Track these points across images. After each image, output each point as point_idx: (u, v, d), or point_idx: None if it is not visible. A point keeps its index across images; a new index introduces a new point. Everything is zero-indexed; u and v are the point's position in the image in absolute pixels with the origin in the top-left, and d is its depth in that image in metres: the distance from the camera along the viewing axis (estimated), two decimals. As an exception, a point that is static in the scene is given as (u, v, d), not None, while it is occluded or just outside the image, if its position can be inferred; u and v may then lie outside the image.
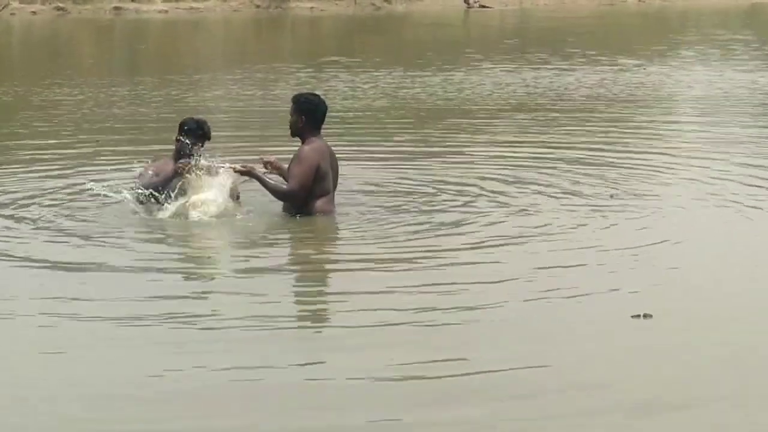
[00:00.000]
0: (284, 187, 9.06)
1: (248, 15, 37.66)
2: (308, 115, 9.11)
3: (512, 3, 42.91)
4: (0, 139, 14.38)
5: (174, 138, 9.41)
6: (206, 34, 33.81)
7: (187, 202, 9.06)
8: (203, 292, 7.29)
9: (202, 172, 9.06)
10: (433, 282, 7.24)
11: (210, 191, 9.03)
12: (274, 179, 9.16)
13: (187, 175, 9.04)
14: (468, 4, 41.51)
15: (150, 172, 9.36)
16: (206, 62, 25.95)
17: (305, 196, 9.06)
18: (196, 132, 9.28)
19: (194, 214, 9.00)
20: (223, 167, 9.09)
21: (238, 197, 9.33)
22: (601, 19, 38.78)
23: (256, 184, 9.21)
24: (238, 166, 9.12)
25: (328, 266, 8.12)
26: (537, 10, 41.62)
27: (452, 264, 7.76)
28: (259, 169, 9.19)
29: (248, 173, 9.11)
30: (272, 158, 9.25)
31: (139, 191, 9.24)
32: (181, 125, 9.38)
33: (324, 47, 29.95)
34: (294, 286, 7.64)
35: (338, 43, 31.21)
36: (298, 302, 7.24)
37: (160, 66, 24.33)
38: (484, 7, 41.32)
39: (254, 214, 9.20)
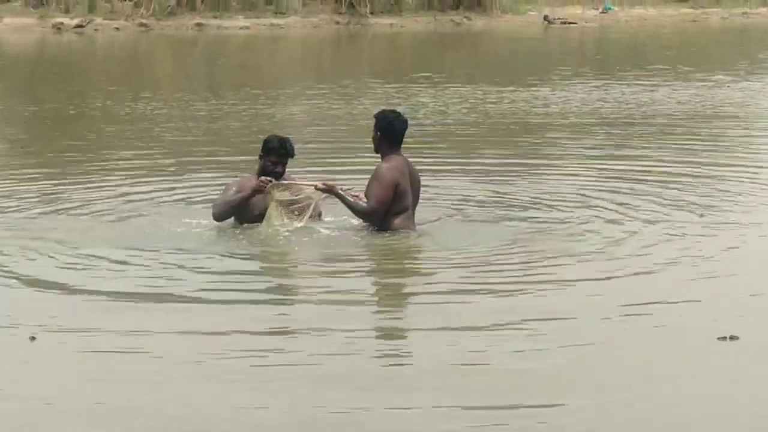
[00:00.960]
0: (364, 205, 8.99)
1: (328, 31, 37.78)
2: (384, 132, 9.03)
3: (592, 19, 42.65)
4: (85, 151, 14.46)
5: (258, 155, 9.37)
6: (287, 50, 33.96)
7: (270, 219, 9.03)
8: (285, 323, 7.06)
9: (285, 189, 9.02)
10: (512, 308, 7.05)
11: (292, 209, 9.01)
12: (358, 194, 9.10)
13: (271, 192, 9.00)
14: (548, 20, 41.33)
15: (233, 189, 9.32)
16: (288, 77, 26.04)
17: (382, 216, 8.99)
18: (278, 150, 9.23)
19: (278, 231, 8.97)
20: (305, 185, 9.07)
21: (320, 215, 9.29)
22: (684, 34, 38.40)
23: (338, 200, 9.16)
24: (319, 184, 9.08)
25: (405, 290, 7.96)
26: (618, 25, 41.33)
27: (533, 284, 7.58)
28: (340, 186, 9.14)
29: (329, 190, 9.06)
30: (328, 185, 9.16)
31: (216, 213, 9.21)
32: (265, 143, 9.34)
33: (406, 63, 29.97)
34: (374, 313, 7.45)
35: (420, 59, 31.17)
36: (379, 332, 7.04)
37: (242, 81, 24.43)
38: (565, 23, 41.10)
39: (334, 230, 9.12)
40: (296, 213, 9.03)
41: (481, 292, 7.45)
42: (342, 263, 8.43)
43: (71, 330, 6.70)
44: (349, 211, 9.09)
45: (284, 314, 7.23)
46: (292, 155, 9.24)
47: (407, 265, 8.53)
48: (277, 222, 9.00)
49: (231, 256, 8.57)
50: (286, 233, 8.97)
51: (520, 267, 8.05)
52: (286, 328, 6.91)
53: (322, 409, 5.46)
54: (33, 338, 6.50)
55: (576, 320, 6.80)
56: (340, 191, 9.03)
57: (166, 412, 5.46)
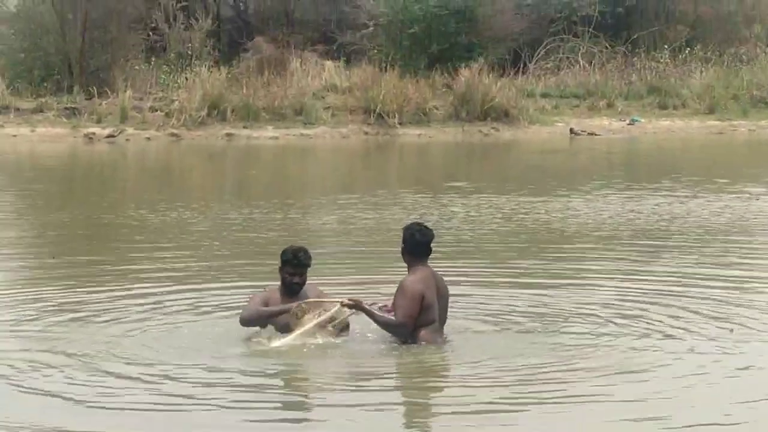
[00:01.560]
0: (392, 319, 8.95)
1: (357, 141, 37.96)
2: (406, 244, 9.07)
3: (619, 130, 42.76)
4: (116, 262, 14.50)
5: (279, 268, 9.39)
6: (317, 160, 34.14)
7: (295, 336, 9.02)
8: None
9: (310, 311, 9.02)
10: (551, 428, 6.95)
11: (316, 330, 9.00)
12: (387, 305, 9.07)
13: (297, 313, 9.00)
14: (573, 132, 41.47)
15: (257, 301, 9.32)
16: (319, 187, 26.14)
17: (411, 328, 8.94)
18: (292, 262, 9.27)
19: (303, 344, 8.95)
20: (330, 302, 9.06)
21: (347, 326, 9.26)
22: (712, 146, 38.43)
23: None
24: (345, 300, 9.07)
25: (432, 409, 7.85)
26: (645, 137, 41.40)
27: (573, 403, 7.48)
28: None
29: (356, 306, 9.05)
30: (355, 300, 9.14)
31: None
32: (281, 255, 9.37)
33: (435, 172, 30.06)
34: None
35: (449, 169, 31.30)
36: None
37: (273, 190, 24.54)
38: (591, 134, 41.24)
39: (361, 341, 9.07)
40: (319, 335, 9.03)
41: (514, 411, 7.34)
42: (367, 379, 8.37)
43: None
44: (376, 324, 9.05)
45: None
46: (307, 265, 9.27)
47: (434, 383, 8.44)
48: (300, 340, 8.99)
49: (256, 373, 8.52)
50: (311, 346, 8.94)
51: (559, 383, 7.93)
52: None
53: None
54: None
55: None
56: (366, 306, 9.01)
57: None
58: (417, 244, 9.05)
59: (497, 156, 35.70)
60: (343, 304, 9.04)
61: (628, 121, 43.44)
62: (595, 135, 41.27)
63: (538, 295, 11.37)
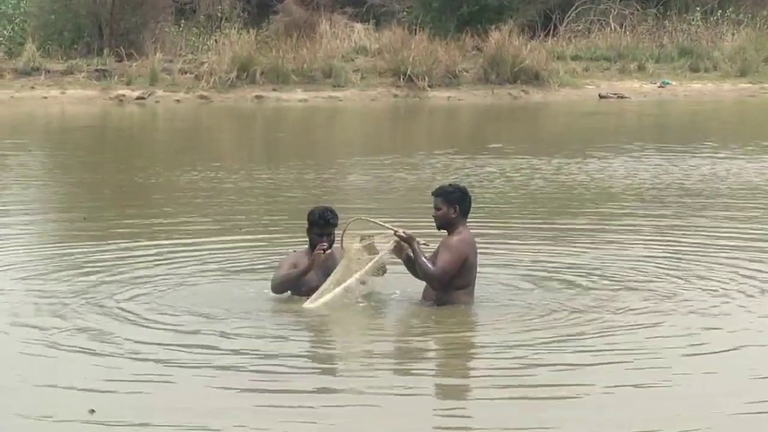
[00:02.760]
0: (432, 268, 8.94)
1: (386, 104, 37.87)
2: (461, 205, 9.04)
3: (650, 93, 42.52)
4: (146, 222, 14.54)
5: (306, 230, 9.38)
6: (347, 121, 34.11)
7: (338, 285, 9.00)
8: (342, 396, 7.01)
9: (359, 247, 8.97)
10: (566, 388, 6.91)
11: (359, 274, 8.97)
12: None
13: (348, 246, 8.94)
14: (602, 96, 41.26)
15: (286, 266, 9.31)
16: (349, 148, 26.12)
17: (445, 284, 8.94)
18: (319, 222, 9.25)
19: (333, 304, 8.94)
20: (387, 227, 9.00)
21: (384, 271, 9.22)
22: (743, 109, 38.18)
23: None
24: (401, 231, 9.03)
25: (469, 367, 7.84)
26: (676, 100, 41.15)
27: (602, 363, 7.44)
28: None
29: (409, 240, 8.99)
30: (409, 234, 9.10)
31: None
32: (307, 216, 9.35)
33: (466, 134, 29.99)
34: (437, 383, 7.36)
35: (480, 130, 31.22)
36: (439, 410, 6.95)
37: (303, 151, 24.54)
38: (620, 97, 41.02)
39: (395, 299, 9.06)
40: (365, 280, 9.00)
41: (552, 369, 7.32)
42: (404, 337, 8.37)
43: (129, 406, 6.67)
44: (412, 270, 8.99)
45: (341, 386, 7.17)
46: (335, 225, 9.26)
47: (473, 343, 8.43)
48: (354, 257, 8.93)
49: (287, 328, 8.54)
50: (343, 304, 8.94)
51: (602, 336, 7.89)
52: (340, 399, 6.85)
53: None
54: (92, 411, 6.47)
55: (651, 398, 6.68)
56: (416, 245, 8.98)
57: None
58: (470, 204, 9.11)
59: (528, 118, 35.57)
60: (396, 233, 9.00)
61: (658, 84, 43.20)
62: (624, 98, 41.06)
63: (576, 253, 11.35)
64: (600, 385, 6.89)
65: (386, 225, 9.16)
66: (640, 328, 8.32)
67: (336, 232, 9.24)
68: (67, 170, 21.02)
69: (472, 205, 9.21)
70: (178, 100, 36.28)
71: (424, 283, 9.09)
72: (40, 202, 16.89)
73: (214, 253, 11.83)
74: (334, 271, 9.04)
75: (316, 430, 6.13)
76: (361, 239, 9.06)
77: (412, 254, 8.96)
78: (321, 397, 6.79)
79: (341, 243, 9.09)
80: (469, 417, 6.40)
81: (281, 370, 7.28)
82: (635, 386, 6.92)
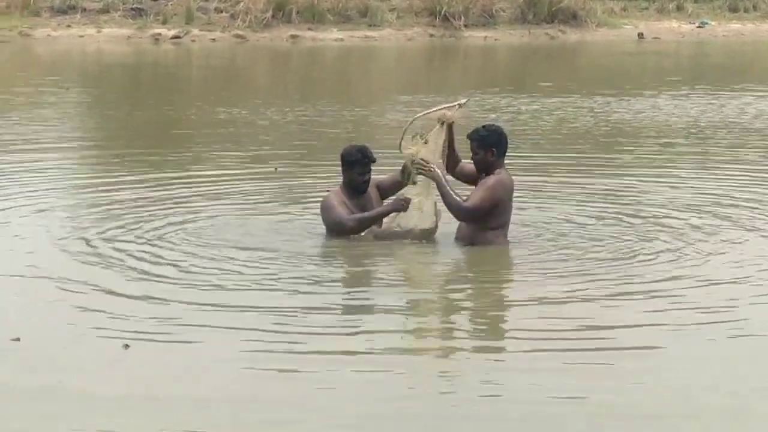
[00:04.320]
0: (460, 201, 8.87)
1: (422, 43, 37.68)
2: (498, 147, 8.96)
3: (689, 33, 42.11)
4: (182, 158, 14.55)
5: (342, 169, 9.28)
6: (383, 61, 33.98)
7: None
8: (375, 335, 6.97)
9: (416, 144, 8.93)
10: (602, 326, 6.85)
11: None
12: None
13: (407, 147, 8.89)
14: (641, 36, 40.88)
15: (338, 208, 9.17)
16: (385, 87, 26.02)
17: (476, 221, 8.87)
18: (362, 161, 9.17)
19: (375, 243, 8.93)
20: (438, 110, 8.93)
21: (439, 214, 9.15)
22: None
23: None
24: (448, 113, 8.93)
25: (501, 303, 7.80)
26: (715, 40, 40.78)
27: (626, 303, 7.36)
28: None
29: (435, 174, 8.87)
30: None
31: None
32: (346, 157, 9.25)
33: (503, 74, 29.81)
34: (471, 320, 7.33)
35: (517, 71, 31.03)
36: (477, 340, 6.94)
37: (339, 90, 24.47)
38: (656, 38, 40.65)
39: (417, 237, 9.00)
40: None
41: (582, 304, 7.27)
42: (437, 278, 8.35)
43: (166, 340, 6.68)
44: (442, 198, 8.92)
45: (378, 324, 7.16)
46: (375, 161, 9.20)
47: (503, 282, 8.38)
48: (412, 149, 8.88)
49: (323, 265, 8.54)
50: (385, 243, 8.93)
51: (632, 281, 7.83)
52: (375, 339, 6.84)
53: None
54: (127, 346, 6.48)
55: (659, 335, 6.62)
56: (443, 179, 8.88)
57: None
58: (506, 143, 9.02)
59: (566, 58, 35.34)
60: (447, 117, 8.91)
61: (697, 24, 42.78)
62: (661, 39, 40.70)
63: (607, 196, 11.27)
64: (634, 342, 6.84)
65: (435, 109, 9.06)
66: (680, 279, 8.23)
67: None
68: (104, 107, 21.04)
69: (511, 144, 9.13)
70: (213, 39, 36.22)
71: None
72: (77, 138, 16.92)
73: (253, 189, 11.84)
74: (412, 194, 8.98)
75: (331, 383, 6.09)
76: (414, 137, 8.98)
77: (438, 187, 8.87)
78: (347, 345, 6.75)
79: (399, 146, 9.00)
80: (497, 369, 6.36)
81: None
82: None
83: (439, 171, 8.90)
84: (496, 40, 38.06)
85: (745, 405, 5.48)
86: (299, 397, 5.58)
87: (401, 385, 5.75)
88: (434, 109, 9.11)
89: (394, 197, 9.24)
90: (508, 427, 5.24)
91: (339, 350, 6.35)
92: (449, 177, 9.02)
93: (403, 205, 9.01)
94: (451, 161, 9.21)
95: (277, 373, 5.96)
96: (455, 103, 9.17)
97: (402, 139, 8.97)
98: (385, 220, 9.13)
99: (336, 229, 9.10)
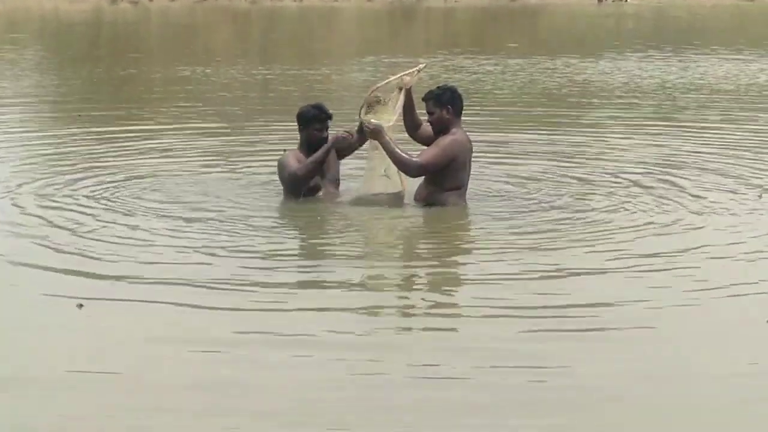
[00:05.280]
0: (407, 157, 8.77)
1: (382, 5, 37.52)
2: (453, 104, 8.86)
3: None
4: (138, 116, 14.40)
5: (298, 129, 9.15)
6: (342, 24, 33.76)
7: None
8: (332, 295, 6.80)
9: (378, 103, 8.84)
10: (556, 290, 6.77)
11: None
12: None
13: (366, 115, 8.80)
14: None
15: (293, 161, 9.08)
16: (344, 49, 25.86)
17: (428, 176, 8.78)
18: (320, 117, 9.07)
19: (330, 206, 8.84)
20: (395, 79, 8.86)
21: (403, 196, 9.05)
22: (741, 14, 37.85)
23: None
24: (407, 77, 8.85)
25: (458, 262, 7.68)
26: (674, 5, 40.83)
27: (579, 267, 7.28)
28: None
29: (376, 131, 8.76)
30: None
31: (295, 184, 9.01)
32: (302, 115, 9.12)
33: (463, 37, 29.70)
34: (426, 291, 7.19)
35: (477, 34, 30.92)
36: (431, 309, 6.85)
37: (298, 52, 24.29)
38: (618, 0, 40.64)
39: (384, 202, 8.91)
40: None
41: (534, 270, 7.15)
42: (394, 241, 8.26)
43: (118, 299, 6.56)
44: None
45: (334, 283, 7.06)
46: (331, 117, 9.11)
47: (459, 244, 8.29)
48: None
49: (277, 227, 8.43)
50: (340, 203, 8.84)
51: (583, 245, 7.77)
52: (332, 300, 6.74)
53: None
54: (80, 306, 6.38)
55: (613, 296, 6.56)
56: (386, 138, 8.78)
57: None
58: (462, 102, 8.92)
59: (527, 20, 35.25)
60: (405, 82, 8.83)
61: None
62: (622, 1, 40.67)
63: (562, 158, 11.20)
64: (592, 291, 6.78)
65: (392, 77, 8.97)
66: (636, 229, 8.20)
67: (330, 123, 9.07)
68: (63, 65, 20.80)
69: (475, 104, 9.05)
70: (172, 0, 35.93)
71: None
72: (34, 95, 16.71)
73: (210, 148, 11.72)
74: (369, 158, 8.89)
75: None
76: (371, 105, 8.87)
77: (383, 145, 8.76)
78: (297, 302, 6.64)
79: (359, 114, 8.89)
80: (454, 329, 6.27)
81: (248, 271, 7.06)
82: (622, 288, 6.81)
83: (383, 129, 8.78)
84: (456, 2, 37.93)
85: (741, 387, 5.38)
86: (237, 379, 5.32)
87: (341, 368, 5.50)
88: (393, 77, 9.00)
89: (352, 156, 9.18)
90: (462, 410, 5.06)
91: (279, 329, 6.08)
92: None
93: (344, 138, 8.90)
94: (412, 124, 9.12)
95: (211, 354, 5.68)
96: (414, 69, 9.08)
97: (362, 107, 8.87)
98: (357, 189, 9.02)
99: (290, 181, 8.97)
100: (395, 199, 8.93)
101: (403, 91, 8.89)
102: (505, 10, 37.30)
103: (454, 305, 6.57)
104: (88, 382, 5.26)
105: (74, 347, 5.72)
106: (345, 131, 9.02)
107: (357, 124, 8.98)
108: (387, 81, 8.96)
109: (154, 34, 29.13)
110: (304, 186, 8.99)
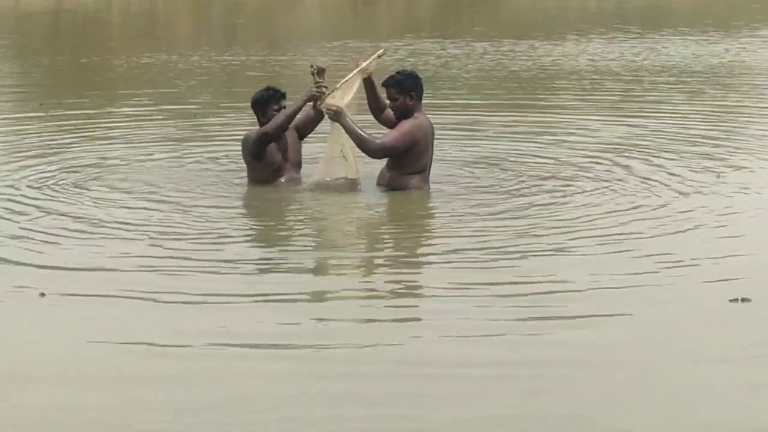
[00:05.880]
0: (370, 138, 8.70)
1: (345, -10, 37.38)
2: (416, 90, 8.81)
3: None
4: (101, 104, 14.28)
5: (258, 118, 9.05)
6: (307, 8, 33.63)
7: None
8: (302, 286, 6.65)
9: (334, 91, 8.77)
10: (521, 272, 6.71)
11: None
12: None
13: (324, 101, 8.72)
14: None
15: (256, 129, 9.00)
16: (306, 36, 25.74)
17: (389, 158, 8.73)
18: (275, 96, 8.99)
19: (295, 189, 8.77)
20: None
21: (358, 184, 8.97)
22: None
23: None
24: (363, 64, 8.79)
25: (421, 250, 7.60)
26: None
27: (538, 248, 7.20)
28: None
29: (338, 112, 8.69)
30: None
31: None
32: (258, 101, 9.03)
33: (426, 21, 29.65)
34: (390, 278, 7.07)
35: (440, 17, 30.87)
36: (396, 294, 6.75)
37: (261, 39, 24.17)
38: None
39: (342, 188, 8.82)
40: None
41: (498, 256, 7.07)
42: (360, 228, 8.19)
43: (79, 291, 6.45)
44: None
45: (304, 278, 6.99)
46: (285, 93, 9.05)
47: (424, 228, 8.21)
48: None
49: (241, 217, 8.35)
50: (303, 190, 8.75)
51: (555, 229, 7.70)
52: (298, 292, 6.64)
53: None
54: (42, 294, 6.28)
55: (576, 276, 6.50)
56: (347, 119, 8.72)
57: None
58: (422, 86, 8.87)
59: (489, 3, 35.22)
60: (362, 69, 8.77)
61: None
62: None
63: (523, 140, 11.16)
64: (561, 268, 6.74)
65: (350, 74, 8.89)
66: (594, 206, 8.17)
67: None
68: (23, 54, 20.62)
69: (440, 87, 8.99)
70: (133, -14, 35.67)
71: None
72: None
73: (173, 134, 11.63)
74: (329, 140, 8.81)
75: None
76: (333, 91, 8.81)
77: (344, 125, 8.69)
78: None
79: (319, 105, 8.82)
80: (421, 310, 6.21)
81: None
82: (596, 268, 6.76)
83: (343, 110, 8.72)
84: (419, -13, 37.81)
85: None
86: (191, 375, 5.19)
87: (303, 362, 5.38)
88: (354, 71, 8.91)
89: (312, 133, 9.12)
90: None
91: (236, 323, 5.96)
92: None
93: (315, 92, 8.81)
94: (377, 106, 9.08)
95: (162, 348, 5.58)
96: (374, 55, 9.04)
97: (324, 97, 8.79)
98: (315, 173, 8.94)
99: (258, 141, 8.83)
100: (351, 185, 8.88)
101: (360, 73, 8.83)
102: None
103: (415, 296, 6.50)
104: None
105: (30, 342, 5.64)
106: (310, 66, 8.97)
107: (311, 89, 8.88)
108: (350, 76, 8.89)
109: (115, 22, 28.94)
110: (270, 141, 8.89)
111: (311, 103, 8.96)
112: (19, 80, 17.47)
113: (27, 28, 26.20)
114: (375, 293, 6.46)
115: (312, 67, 9.00)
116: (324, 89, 8.83)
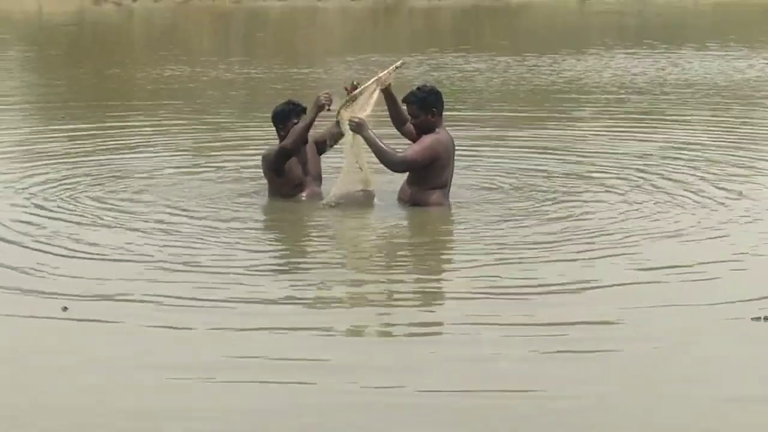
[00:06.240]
0: (391, 151, 8.68)
1: (366, 5, 37.45)
2: (437, 106, 8.77)
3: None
4: (124, 116, 14.30)
5: (278, 132, 9.05)
6: (326, 23, 33.67)
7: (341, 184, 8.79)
8: (320, 296, 6.70)
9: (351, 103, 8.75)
10: (539, 284, 6.66)
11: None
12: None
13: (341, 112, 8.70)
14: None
15: (274, 146, 9.02)
16: (328, 49, 25.77)
17: (410, 172, 8.70)
18: (295, 110, 9.01)
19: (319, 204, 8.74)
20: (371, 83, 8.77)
21: (373, 197, 8.95)
22: (726, 12, 37.85)
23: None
24: (383, 75, 8.77)
25: (444, 267, 7.55)
26: (656, 2, 40.83)
27: (560, 264, 7.15)
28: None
29: (359, 125, 8.65)
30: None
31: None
32: (278, 115, 9.03)
33: (447, 36, 29.62)
34: (413, 284, 7.02)
35: (462, 32, 30.84)
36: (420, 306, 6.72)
37: (283, 51, 24.18)
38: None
39: (361, 202, 8.79)
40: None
41: (522, 271, 7.02)
42: (378, 242, 8.14)
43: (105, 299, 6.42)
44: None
45: (324, 286, 6.94)
46: (305, 107, 9.04)
47: (444, 244, 8.15)
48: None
49: (262, 230, 8.32)
50: (325, 205, 8.71)
51: (574, 243, 7.65)
52: (320, 299, 6.63)
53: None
54: (65, 309, 6.25)
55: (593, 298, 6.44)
56: (369, 132, 8.70)
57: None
58: (443, 104, 8.83)
59: (511, 19, 35.21)
60: (380, 80, 8.74)
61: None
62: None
63: (545, 157, 11.09)
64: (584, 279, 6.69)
65: (368, 82, 8.86)
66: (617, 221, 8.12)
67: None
68: (46, 65, 20.67)
69: (462, 101, 8.94)
70: (155, 0, 35.78)
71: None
72: (18, 96, 16.60)
73: (195, 147, 11.63)
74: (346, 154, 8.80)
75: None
76: (348, 103, 8.78)
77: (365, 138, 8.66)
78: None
79: (337, 117, 8.79)
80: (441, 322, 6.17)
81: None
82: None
83: (365, 123, 8.70)
84: (439, 1, 37.87)
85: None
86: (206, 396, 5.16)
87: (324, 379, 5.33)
88: (371, 80, 8.90)
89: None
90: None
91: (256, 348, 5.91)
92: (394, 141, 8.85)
93: (323, 101, 8.80)
94: (398, 118, 9.06)
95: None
96: (392, 66, 9.01)
97: (340, 108, 8.77)
98: (335, 186, 8.92)
99: (278, 156, 8.83)
100: (367, 197, 8.88)
101: (378, 86, 8.81)
102: (488, 10, 37.24)
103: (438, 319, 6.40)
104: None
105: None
106: (325, 93, 8.95)
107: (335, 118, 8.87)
108: (365, 86, 8.87)
109: (138, 34, 29.02)
110: (288, 157, 8.89)
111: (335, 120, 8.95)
112: (42, 91, 17.52)
113: (50, 39, 26.28)
114: (394, 325, 6.30)
115: (354, 82, 8.93)
116: (329, 95, 8.84)
